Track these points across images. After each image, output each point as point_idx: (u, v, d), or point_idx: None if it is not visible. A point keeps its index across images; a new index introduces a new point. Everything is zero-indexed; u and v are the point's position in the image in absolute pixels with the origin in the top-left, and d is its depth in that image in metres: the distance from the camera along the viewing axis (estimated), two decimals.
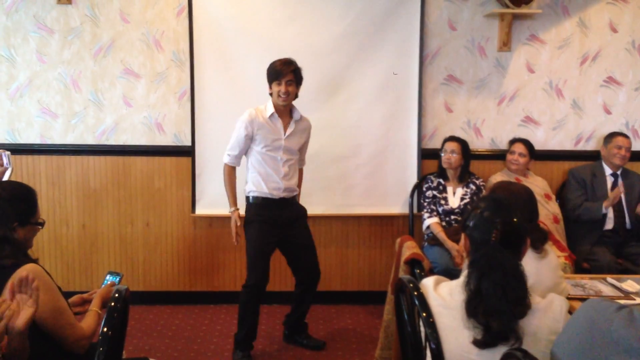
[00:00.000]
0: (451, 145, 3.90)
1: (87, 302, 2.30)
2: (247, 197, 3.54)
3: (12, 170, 3.32)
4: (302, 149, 3.66)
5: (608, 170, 4.06)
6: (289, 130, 3.48)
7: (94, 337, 2.10)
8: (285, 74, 3.36)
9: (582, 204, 4.00)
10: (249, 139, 3.46)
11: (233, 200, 3.53)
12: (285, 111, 3.49)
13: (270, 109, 3.45)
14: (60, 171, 4.20)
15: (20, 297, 1.74)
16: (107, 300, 2.23)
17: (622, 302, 1.61)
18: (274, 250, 3.58)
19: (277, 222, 3.49)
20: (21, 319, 1.71)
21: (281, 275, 4.31)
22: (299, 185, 3.72)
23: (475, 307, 1.74)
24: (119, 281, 2.39)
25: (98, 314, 2.18)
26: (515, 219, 1.81)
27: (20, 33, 4.08)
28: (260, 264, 3.46)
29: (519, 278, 1.74)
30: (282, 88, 3.36)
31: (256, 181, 3.49)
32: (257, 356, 3.59)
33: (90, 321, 2.13)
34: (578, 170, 4.13)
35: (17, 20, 4.07)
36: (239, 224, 3.50)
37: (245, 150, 3.51)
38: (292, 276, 3.77)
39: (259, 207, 3.49)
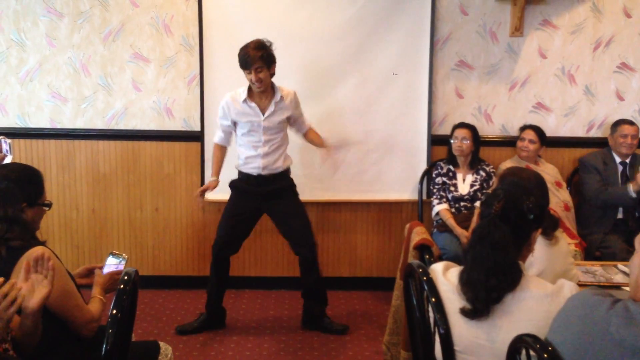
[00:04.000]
0: (462, 132, 3.88)
1: (93, 272, 2.32)
2: (237, 167, 3.70)
3: (12, 158, 3.32)
4: (293, 119, 3.63)
5: (618, 158, 4.02)
6: (268, 112, 3.51)
7: (101, 320, 2.11)
8: (253, 62, 3.36)
9: (606, 189, 3.91)
10: (228, 123, 3.59)
11: (214, 171, 3.66)
12: (265, 92, 3.51)
13: (243, 95, 3.52)
14: (70, 156, 4.21)
15: (36, 276, 1.75)
16: (107, 288, 2.25)
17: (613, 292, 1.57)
18: (250, 219, 3.70)
19: (256, 193, 3.61)
20: (35, 299, 1.72)
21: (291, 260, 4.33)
22: (317, 137, 3.73)
23: (461, 277, 1.78)
24: (125, 264, 2.35)
25: (102, 301, 2.19)
26: (525, 200, 1.77)
27: (30, 17, 4.07)
28: (223, 227, 3.67)
29: (505, 253, 1.72)
30: (253, 77, 3.40)
31: (240, 158, 3.64)
32: (265, 342, 3.60)
33: (96, 306, 2.15)
34: (588, 158, 4.08)
35: (26, 4, 4.06)
36: (209, 189, 3.61)
37: (228, 132, 3.65)
38: (287, 261, 3.79)
39: (241, 179, 3.65)
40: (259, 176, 3.58)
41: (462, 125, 3.94)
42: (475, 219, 1.87)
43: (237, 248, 3.75)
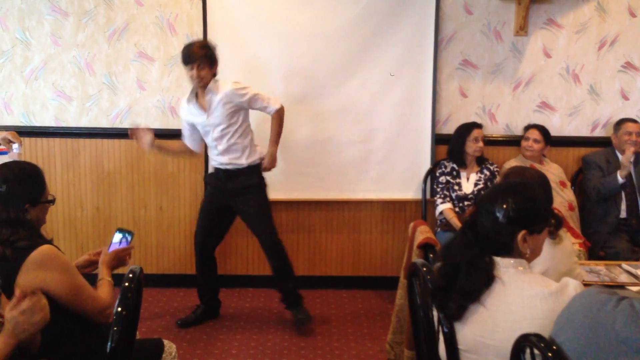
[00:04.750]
0: (481, 132, 3.91)
1: (94, 262, 2.32)
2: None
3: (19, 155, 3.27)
4: (248, 105, 3.55)
5: (621, 157, 4.01)
6: (209, 109, 3.54)
7: (114, 305, 2.12)
8: (196, 58, 3.42)
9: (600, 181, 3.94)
10: (187, 125, 3.67)
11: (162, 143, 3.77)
12: (204, 90, 3.54)
13: (188, 93, 3.60)
14: (75, 154, 4.22)
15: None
16: (113, 266, 2.26)
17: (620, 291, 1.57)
18: (222, 215, 3.78)
19: (222, 190, 3.68)
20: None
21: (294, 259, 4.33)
22: (276, 131, 3.65)
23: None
24: (131, 240, 2.36)
25: (110, 282, 2.20)
26: (500, 204, 1.76)
27: (35, 16, 4.08)
28: (200, 220, 3.80)
29: (461, 258, 1.76)
30: (194, 72, 3.45)
31: (210, 154, 3.73)
32: (268, 340, 3.61)
33: (105, 290, 2.16)
34: (592, 156, 4.08)
35: (31, 2, 4.07)
36: (142, 137, 3.60)
37: (192, 134, 3.70)
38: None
39: (212, 173, 3.77)
40: (226, 170, 3.64)
41: (477, 125, 3.94)
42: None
43: (217, 241, 3.87)
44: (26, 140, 4.15)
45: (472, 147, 3.88)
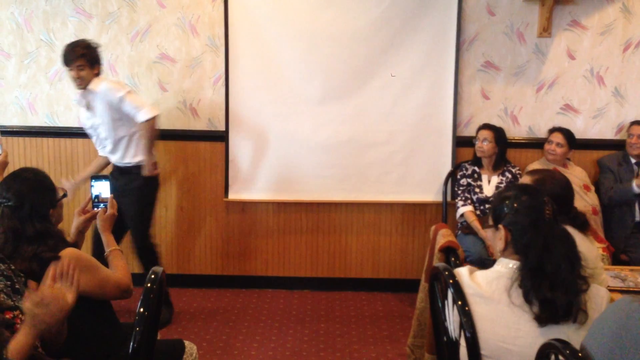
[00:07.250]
0: (484, 134, 3.86)
1: (90, 219, 2.36)
2: None
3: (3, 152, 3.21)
4: (120, 110, 3.52)
5: (633, 159, 3.96)
6: (93, 109, 3.58)
7: (131, 278, 2.20)
8: (75, 60, 3.44)
9: (613, 186, 3.91)
10: (90, 131, 3.73)
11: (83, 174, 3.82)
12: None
13: (80, 100, 3.62)
14: (98, 154, 4.25)
15: (60, 286, 1.77)
16: (110, 223, 2.33)
17: None
18: (119, 213, 3.76)
19: (116, 188, 3.65)
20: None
21: (314, 261, 4.33)
22: (144, 142, 3.59)
23: (539, 284, 1.72)
24: (110, 188, 2.41)
25: (119, 252, 2.27)
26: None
27: (59, 17, 4.13)
28: None
29: (577, 249, 1.76)
30: (74, 73, 3.47)
31: None
32: (287, 341, 3.61)
33: (120, 265, 2.20)
34: (605, 159, 4.06)
35: (56, 4, 4.12)
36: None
37: (93, 136, 3.74)
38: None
39: (110, 173, 3.75)
40: (117, 167, 3.71)
41: (485, 126, 3.92)
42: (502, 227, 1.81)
43: (117, 240, 3.89)
44: (50, 141, 4.23)
45: (476, 146, 3.88)
